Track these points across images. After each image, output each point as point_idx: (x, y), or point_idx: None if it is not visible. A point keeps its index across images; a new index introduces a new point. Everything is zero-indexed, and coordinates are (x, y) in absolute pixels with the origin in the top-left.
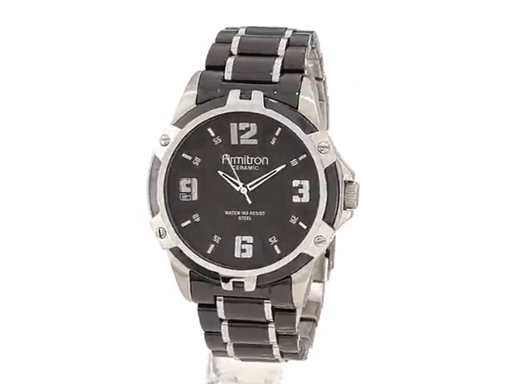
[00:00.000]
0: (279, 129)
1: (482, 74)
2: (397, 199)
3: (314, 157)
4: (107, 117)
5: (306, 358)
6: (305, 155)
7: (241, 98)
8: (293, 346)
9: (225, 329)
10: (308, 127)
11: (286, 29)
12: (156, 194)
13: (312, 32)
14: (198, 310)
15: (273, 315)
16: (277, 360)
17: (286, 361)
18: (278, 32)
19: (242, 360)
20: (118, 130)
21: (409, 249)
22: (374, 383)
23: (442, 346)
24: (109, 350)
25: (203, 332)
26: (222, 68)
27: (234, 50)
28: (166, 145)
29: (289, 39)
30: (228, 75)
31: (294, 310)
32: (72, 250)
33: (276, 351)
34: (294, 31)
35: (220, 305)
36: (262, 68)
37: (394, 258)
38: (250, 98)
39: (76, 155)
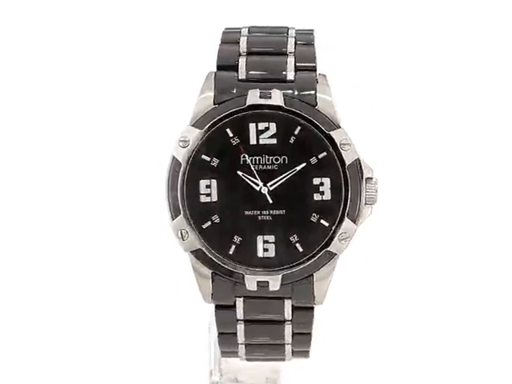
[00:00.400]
0: (299, 127)
1: (483, 70)
2: (396, 198)
3: (336, 154)
4: (112, 118)
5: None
6: (325, 153)
7: (260, 97)
8: (306, 344)
9: (241, 329)
10: (328, 125)
11: (288, 27)
12: (176, 196)
13: (313, 30)
14: (216, 311)
15: (292, 313)
16: (282, 359)
17: (290, 359)
18: (282, 31)
19: (249, 360)
20: (122, 131)
21: (409, 249)
22: (374, 383)
23: (442, 346)
24: (111, 351)
25: (217, 333)
26: (235, 68)
27: (243, 50)
28: (185, 146)
29: (295, 38)
30: (242, 75)
31: (312, 308)
32: (75, 250)
33: (288, 350)
34: (297, 30)
35: (240, 305)
36: (275, 67)
37: (393, 258)
38: (269, 97)
39: (86, 158)
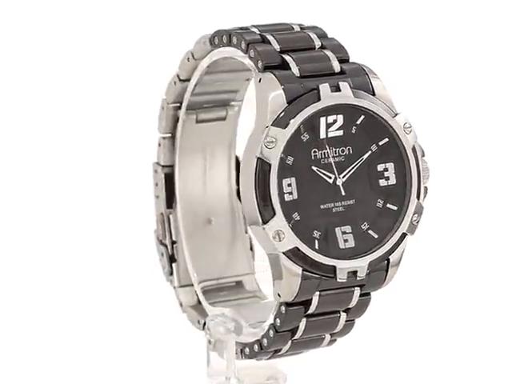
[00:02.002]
0: (362, 116)
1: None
2: None
3: (401, 138)
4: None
5: None
6: (387, 139)
7: (331, 90)
8: (347, 331)
9: (303, 324)
10: (388, 111)
11: (289, 23)
12: (268, 198)
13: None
14: (287, 310)
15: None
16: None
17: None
18: (289, 27)
19: (272, 358)
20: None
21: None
22: (374, 383)
23: (443, 347)
24: (108, 351)
25: (273, 333)
26: (284, 66)
27: (277, 48)
28: (272, 147)
29: (314, 32)
30: (297, 72)
31: (369, 294)
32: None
33: (326, 342)
34: (300, 25)
35: (315, 299)
36: (321, 61)
37: None
38: (339, 90)
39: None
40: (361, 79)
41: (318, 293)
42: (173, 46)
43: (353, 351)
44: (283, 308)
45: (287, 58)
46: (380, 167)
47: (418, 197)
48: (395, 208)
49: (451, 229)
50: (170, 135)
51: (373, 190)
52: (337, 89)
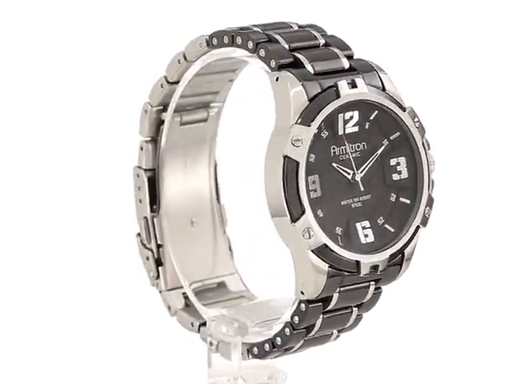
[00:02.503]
0: (375, 112)
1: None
2: None
3: (412, 132)
4: None
5: None
6: (398, 133)
7: (349, 87)
8: (353, 328)
9: (319, 321)
10: (399, 105)
11: (285, 22)
12: (298, 196)
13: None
14: (309, 307)
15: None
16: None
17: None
18: (288, 25)
19: (276, 357)
20: None
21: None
22: (375, 383)
23: (443, 348)
24: (108, 351)
25: (290, 331)
26: (297, 64)
27: (286, 47)
28: (299, 146)
29: (314, 30)
30: (310, 69)
31: (380, 288)
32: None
33: (333, 338)
34: (298, 24)
35: (336, 296)
36: (331, 58)
37: None
38: (356, 86)
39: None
40: (371, 75)
41: (338, 289)
42: (147, 51)
43: (353, 351)
44: (303, 306)
45: (299, 56)
46: (392, 161)
47: (429, 189)
48: (408, 202)
49: (451, 226)
50: (152, 139)
51: (386, 185)
52: (353, 85)
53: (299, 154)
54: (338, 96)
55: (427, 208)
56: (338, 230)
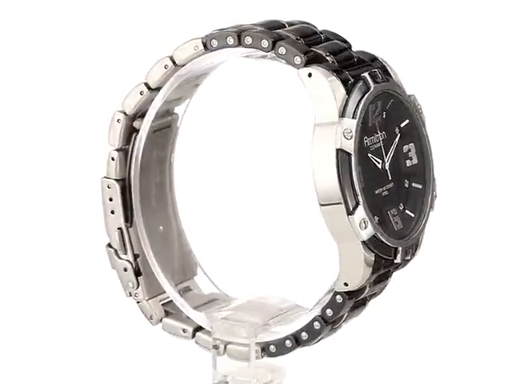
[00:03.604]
0: (391, 101)
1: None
2: None
3: (419, 118)
4: None
5: None
6: (407, 120)
7: (372, 79)
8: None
9: (347, 313)
10: (405, 93)
11: (279, 20)
12: (353, 189)
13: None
14: (347, 299)
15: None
16: None
17: None
18: (281, 23)
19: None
20: None
21: None
22: (375, 383)
23: (444, 348)
24: (113, 351)
25: (321, 325)
26: (319, 59)
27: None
28: (350, 138)
29: (309, 25)
30: (335, 63)
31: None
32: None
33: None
34: (288, 22)
35: (368, 285)
36: (343, 51)
37: None
38: (378, 77)
39: None
40: (381, 66)
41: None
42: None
43: (352, 350)
44: (339, 297)
45: (319, 51)
46: (405, 148)
47: (434, 174)
48: (420, 186)
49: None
50: (123, 148)
51: (401, 172)
52: (375, 76)
53: (351, 147)
54: (368, 88)
55: (434, 191)
56: (376, 219)
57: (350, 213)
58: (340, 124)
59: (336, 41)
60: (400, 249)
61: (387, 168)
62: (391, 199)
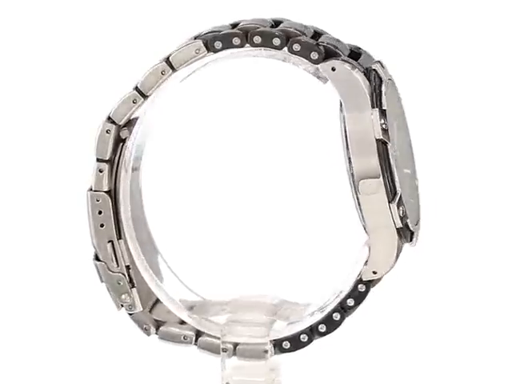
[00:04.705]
0: (390, 87)
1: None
2: None
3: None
4: None
5: None
6: (400, 104)
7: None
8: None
9: None
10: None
11: (262, 18)
12: (391, 177)
13: None
14: (369, 287)
15: None
16: None
17: None
18: (267, 22)
19: None
20: None
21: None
22: (374, 383)
23: (443, 349)
24: (119, 350)
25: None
26: (330, 54)
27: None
28: (386, 128)
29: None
30: (344, 55)
31: None
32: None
33: None
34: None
35: None
36: (341, 44)
37: None
38: (383, 67)
39: None
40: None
41: None
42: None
43: (352, 350)
44: (362, 286)
45: (328, 46)
46: (399, 133)
47: None
48: (409, 171)
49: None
50: (110, 159)
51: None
52: (381, 66)
53: (387, 136)
54: (380, 78)
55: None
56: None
57: (390, 200)
58: (374, 114)
59: (325, 35)
60: (416, 234)
61: (398, 153)
62: (403, 185)
